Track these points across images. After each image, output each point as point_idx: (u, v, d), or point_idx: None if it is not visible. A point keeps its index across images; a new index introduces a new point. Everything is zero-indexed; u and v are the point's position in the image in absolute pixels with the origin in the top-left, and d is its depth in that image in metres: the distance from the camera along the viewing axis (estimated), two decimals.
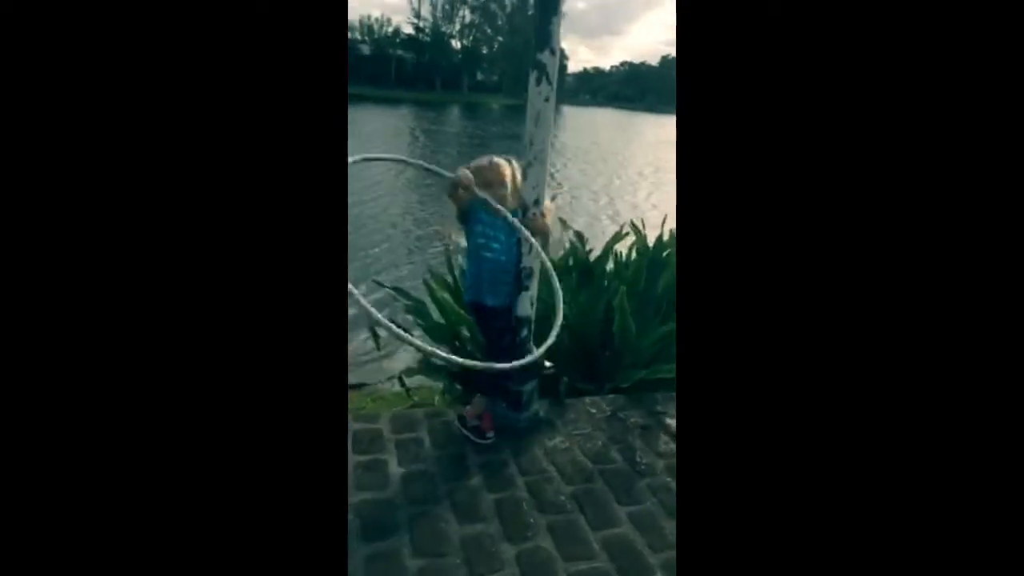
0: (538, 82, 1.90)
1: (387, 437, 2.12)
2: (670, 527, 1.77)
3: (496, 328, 2.15)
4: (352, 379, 4.99)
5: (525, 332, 2.16)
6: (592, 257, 3.45)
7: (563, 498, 1.88)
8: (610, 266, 3.42)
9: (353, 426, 2.16)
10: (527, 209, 2.02)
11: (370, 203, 10.40)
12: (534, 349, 2.19)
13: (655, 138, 31.64)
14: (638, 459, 2.11)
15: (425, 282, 3.19)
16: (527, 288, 2.10)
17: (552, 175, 15.76)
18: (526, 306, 2.12)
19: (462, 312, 3.24)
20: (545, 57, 1.87)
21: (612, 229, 3.69)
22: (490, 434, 2.14)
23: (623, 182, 15.56)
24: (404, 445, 2.09)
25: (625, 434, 2.26)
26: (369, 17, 68.37)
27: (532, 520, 1.77)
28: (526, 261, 2.06)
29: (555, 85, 1.92)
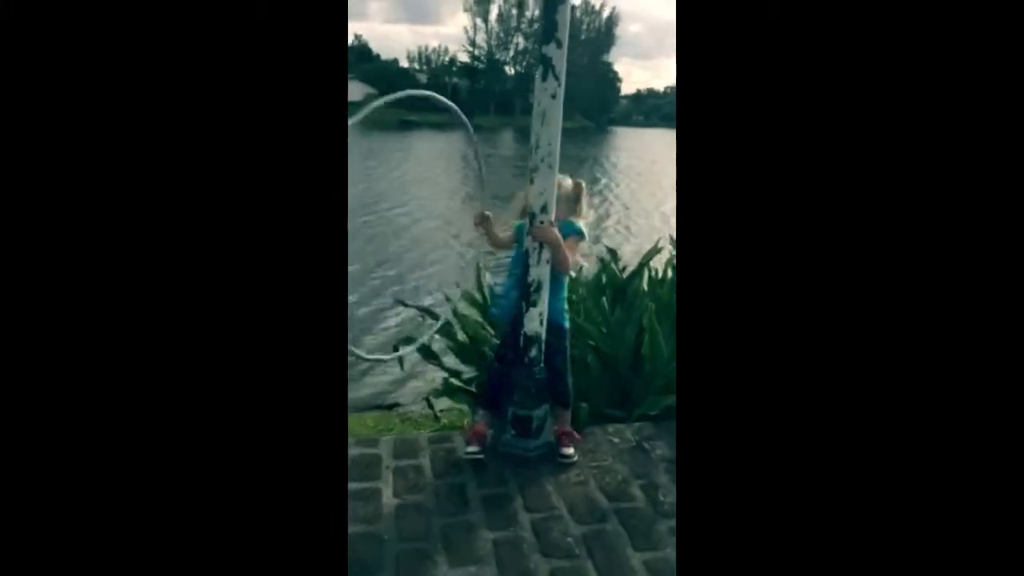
0: (544, 77, 1.74)
1: (385, 463, 1.97)
2: None
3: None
4: (388, 399, 4.93)
5: (535, 351, 1.96)
6: (626, 274, 3.25)
7: (570, 540, 1.67)
8: (645, 284, 3.20)
9: (351, 451, 2.02)
10: (534, 217, 1.85)
11: (426, 221, 10.54)
12: (544, 371, 2.00)
13: None
14: (661, 497, 1.86)
15: (449, 300, 3.07)
16: (535, 303, 1.91)
17: (616, 196, 15.55)
18: (535, 323, 1.93)
19: (487, 331, 3.09)
20: (551, 50, 1.71)
21: None
22: (473, 448, 1.97)
23: None
24: (402, 472, 1.93)
25: (649, 468, 2.02)
26: (427, 47, 70.80)
27: (533, 565, 1.57)
28: (533, 273, 1.88)
29: (563, 81, 1.75)
